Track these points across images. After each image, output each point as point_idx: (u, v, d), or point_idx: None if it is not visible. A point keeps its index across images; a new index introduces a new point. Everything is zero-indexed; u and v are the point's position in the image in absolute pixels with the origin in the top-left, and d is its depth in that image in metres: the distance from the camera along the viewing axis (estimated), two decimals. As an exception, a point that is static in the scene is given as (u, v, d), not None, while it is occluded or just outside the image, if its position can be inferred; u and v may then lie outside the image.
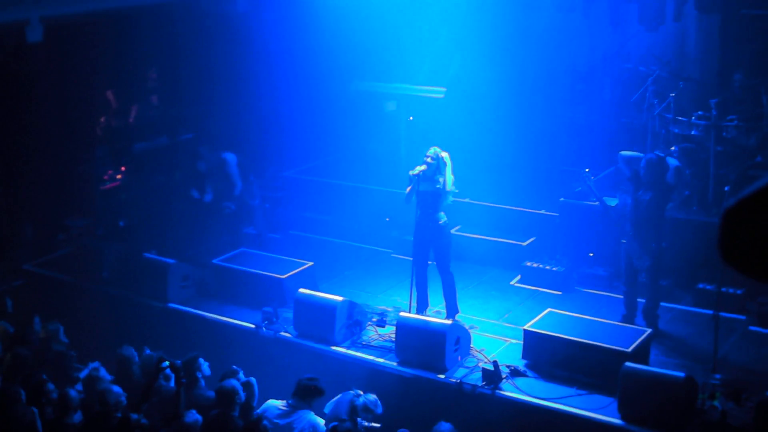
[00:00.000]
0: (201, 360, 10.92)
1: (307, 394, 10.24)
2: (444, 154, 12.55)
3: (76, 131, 17.19)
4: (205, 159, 16.03)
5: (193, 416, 9.65)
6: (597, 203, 13.65)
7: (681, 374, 10.34)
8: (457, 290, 12.94)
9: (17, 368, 11.28)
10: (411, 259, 12.87)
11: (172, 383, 10.96)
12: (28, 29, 15.32)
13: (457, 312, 12.93)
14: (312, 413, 10.19)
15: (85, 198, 17.21)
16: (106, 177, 17.56)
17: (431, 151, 12.57)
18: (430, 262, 12.94)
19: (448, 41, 17.41)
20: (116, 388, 10.12)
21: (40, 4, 15.41)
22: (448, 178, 12.50)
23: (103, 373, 11.01)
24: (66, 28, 16.05)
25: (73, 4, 15.86)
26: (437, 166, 12.50)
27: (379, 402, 10.40)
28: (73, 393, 10.27)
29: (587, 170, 12.95)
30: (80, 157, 17.30)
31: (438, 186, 12.49)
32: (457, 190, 12.65)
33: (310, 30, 17.87)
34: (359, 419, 10.20)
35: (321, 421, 10.17)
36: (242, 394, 10.19)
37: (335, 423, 9.90)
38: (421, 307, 13.02)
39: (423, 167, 12.42)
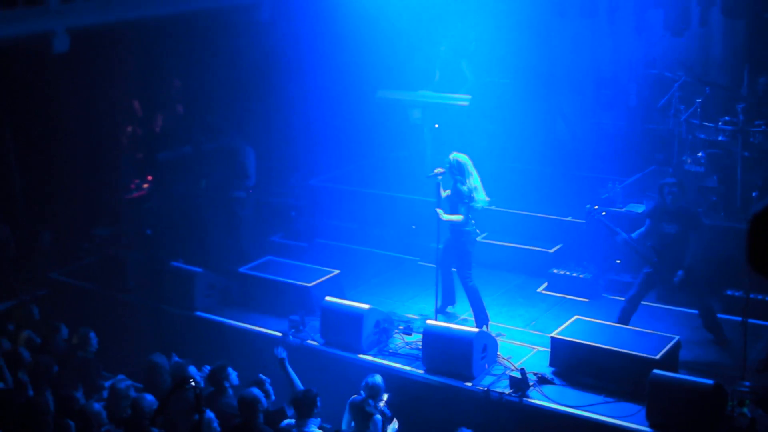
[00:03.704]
0: (230, 369, 10.92)
1: (305, 407, 10.22)
2: (462, 159, 12.62)
3: (102, 140, 17.28)
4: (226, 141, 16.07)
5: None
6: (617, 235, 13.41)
7: (710, 381, 10.27)
8: (482, 298, 12.92)
9: (40, 376, 11.31)
10: (434, 266, 12.95)
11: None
12: (55, 40, 15.41)
13: (487, 320, 12.90)
14: (315, 427, 10.20)
15: (111, 207, 17.29)
16: (131, 186, 17.62)
17: (449, 157, 12.68)
18: (453, 269, 13.03)
19: (474, 49, 17.38)
20: (149, 397, 10.13)
21: (66, 15, 15.49)
22: (469, 183, 12.56)
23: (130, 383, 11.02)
24: (92, 39, 16.13)
25: (98, 15, 15.94)
26: (451, 172, 12.60)
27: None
28: (97, 406, 10.26)
29: (596, 207, 12.83)
30: (106, 166, 17.37)
31: (454, 192, 12.58)
32: (485, 198, 12.64)
33: (334, 39, 17.90)
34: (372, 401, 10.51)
35: None
36: (265, 402, 10.19)
37: (355, 396, 10.45)
38: (446, 303, 13.28)
39: (441, 170, 12.57)
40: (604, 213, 12.67)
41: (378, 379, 10.62)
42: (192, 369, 11.34)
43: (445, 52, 17.51)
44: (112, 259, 15.43)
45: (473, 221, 12.73)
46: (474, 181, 12.59)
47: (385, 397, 10.69)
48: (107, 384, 11.63)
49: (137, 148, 18.19)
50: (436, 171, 12.58)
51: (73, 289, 15.54)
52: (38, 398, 10.32)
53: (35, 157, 16.53)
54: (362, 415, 10.38)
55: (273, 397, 10.81)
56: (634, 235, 12.40)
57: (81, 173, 16.83)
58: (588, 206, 12.86)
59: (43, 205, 16.57)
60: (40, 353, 11.97)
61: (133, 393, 10.69)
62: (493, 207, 15.28)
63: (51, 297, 15.44)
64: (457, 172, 12.57)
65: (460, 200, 12.56)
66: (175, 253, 15.34)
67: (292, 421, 10.24)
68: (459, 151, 12.80)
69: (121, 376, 11.41)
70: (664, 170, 15.38)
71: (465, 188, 12.50)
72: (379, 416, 10.37)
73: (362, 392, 10.58)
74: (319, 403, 10.23)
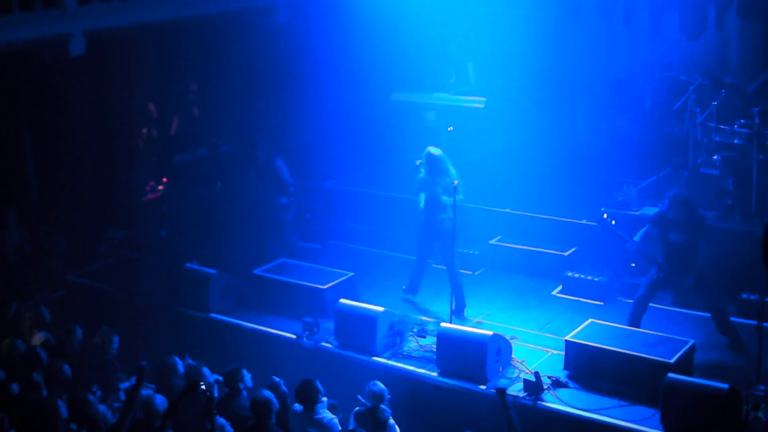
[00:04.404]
0: (244, 371, 10.93)
1: (309, 396, 10.26)
2: (435, 153, 13.53)
3: (118, 143, 17.31)
4: (258, 154, 16.06)
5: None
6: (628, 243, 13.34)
7: (725, 386, 10.24)
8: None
9: (55, 379, 11.31)
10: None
11: (216, 392, 11.00)
12: (71, 42, 15.45)
13: (465, 306, 13.55)
14: (325, 410, 10.27)
15: (127, 209, 17.31)
16: (147, 188, 17.66)
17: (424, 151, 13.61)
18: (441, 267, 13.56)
19: (488, 51, 17.39)
20: (160, 398, 10.13)
21: (82, 17, 15.53)
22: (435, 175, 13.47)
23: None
24: (108, 42, 16.17)
25: (115, 18, 15.97)
26: (427, 166, 13.47)
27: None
28: (103, 408, 10.26)
29: (605, 216, 12.84)
30: (121, 168, 17.41)
31: (434, 184, 13.40)
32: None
33: (350, 41, 17.90)
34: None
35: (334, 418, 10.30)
36: (277, 404, 10.20)
37: (359, 408, 10.39)
38: (412, 291, 14.22)
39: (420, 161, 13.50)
40: (613, 222, 12.65)
41: (381, 384, 10.57)
42: (206, 371, 11.36)
43: (455, 53, 17.53)
44: (128, 261, 15.46)
45: (451, 214, 13.28)
46: (448, 175, 13.37)
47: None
48: (123, 386, 11.66)
49: (153, 150, 18.25)
50: (418, 162, 13.51)
51: (89, 290, 15.58)
52: (48, 399, 10.31)
53: (52, 159, 16.57)
54: (375, 422, 10.35)
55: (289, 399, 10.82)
56: (636, 238, 12.41)
57: (97, 175, 16.87)
58: (603, 208, 12.85)
59: (60, 207, 16.60)
60: (54, 355, 11.98)
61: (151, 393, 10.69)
62: (507, 210, 15.41)
63: (67, 299, 15.49)
64: (426, 165, 13.49)
65: (420, 189, 13.52)
66: (190, 254, 15.36)
67: (300, 407, 10.31)
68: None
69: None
70: (680, 173, 15.33)
71: (424, 177, 13.46)
72: (392, 421, 10.36)
73: (367, 402, 10.50)
74: (321, 388, 10.30)
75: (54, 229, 16.57)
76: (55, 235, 16.51)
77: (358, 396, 10.63)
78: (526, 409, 11.06)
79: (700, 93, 15.22)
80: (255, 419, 10.02)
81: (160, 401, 10.07)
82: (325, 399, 10.45)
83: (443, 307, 13.23)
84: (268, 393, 10.13)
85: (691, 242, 12.08)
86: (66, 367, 11.36)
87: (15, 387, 10.89)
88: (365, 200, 17.28)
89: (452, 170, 13.40)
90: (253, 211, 15.89)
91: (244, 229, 16.08)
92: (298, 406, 10.42)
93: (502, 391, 9.82)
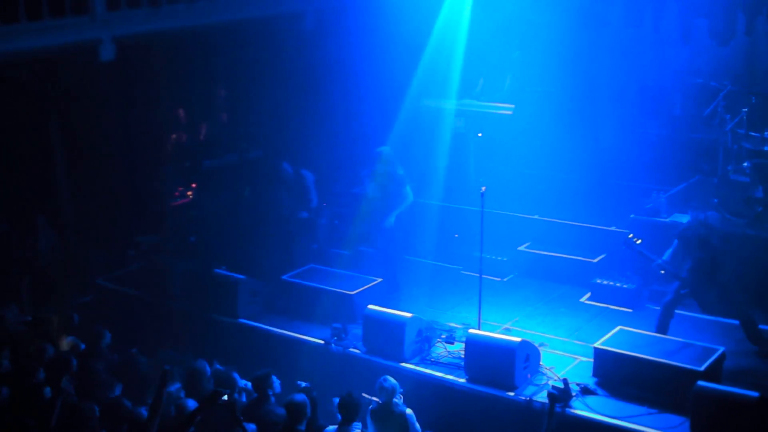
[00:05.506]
0: (274, 377, 10.94)
1: (353, 411, 10.21)
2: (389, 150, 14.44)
3: (147, 148, 17.39)
4: (286, 173, 16.12)
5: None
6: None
7: (755, 393, 10.19)
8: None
9: (88, 381, 11.34)
10: (477, 275, 12.95)
11: (243, 397, 11.01)
12: (101, 48, 15.57)
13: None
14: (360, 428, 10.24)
15: (156, 214, 17.39)
16: (176, 194, 17.73)
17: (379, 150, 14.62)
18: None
19: (517, 58, 17.37)
20: (191, 402, 10.16)
21: (112, 24, 15.64)
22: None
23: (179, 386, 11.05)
24: (138, 48, 16.26)
25: (144, 24, 16.09)
26: (386, 164, 14.44)
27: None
28: (146, 412, 10.29)
29: (631, 236, 12.77)
30: (151, 174, 17.49)
31: (395, 179, 14.36)
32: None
33: (377, 46, 17.90)
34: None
35: None
36: (309, 410, 10.19)
37: (372, 405, 10.35)
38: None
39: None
40: (639, 241, 12.58)
41: (392, 379, 10.47)
42: (236, 376, 11.37)
43: (483, 60, 17.58)
44: (157, 266, 15.51)
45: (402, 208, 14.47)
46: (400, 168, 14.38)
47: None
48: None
49: (182, 156, 18.32)
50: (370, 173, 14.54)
51: (118, 295, 15.64)
52: (84, 404, 10.35)
53: (81, 163, 16.67)
54: (391, 417, 10.29)
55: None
56: (666, 256, 12.36)
57: (126, 180, 16.96)
58: (632, 215, 12.78)
59: (89, 212, 16.69)
60: (85, 359, 12.01)
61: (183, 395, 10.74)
62: (536, 216, 15.38)
63: (96, 303, 15.55)
64: (391, 161, 14.21)
65: (402, 183, 14.09)
66: (218, 260, 15.39)
67: (334, 428, 10.24)
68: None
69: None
70: (709, 180, 15.26)
71: (402, 171, 14.16)
72: (410, 411, 10.29)
73: (380, 398, 10.41)
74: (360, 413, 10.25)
75: (83, 234, 16.64)
76: (84, 239, 16.58)
77: (363, 394, 10.56)
78: (555, 416, 11.01)
79: (729, 99, 15.14)
80: (288, 423, 10.00)
81: (192, 405, 10.10)
82: (360, 423, 10.39)
83: (471, 313, 13.20)
84: (304, 396, 10.13)
85: (715, 257, 12.03)
86: (100, 370, 11.42)
87: (48, 391, 10.92)
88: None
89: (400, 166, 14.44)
90: (280, 224, 15.96)
91: (273, 235, 16.11)
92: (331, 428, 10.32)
93: (554, 397, 9.75)
